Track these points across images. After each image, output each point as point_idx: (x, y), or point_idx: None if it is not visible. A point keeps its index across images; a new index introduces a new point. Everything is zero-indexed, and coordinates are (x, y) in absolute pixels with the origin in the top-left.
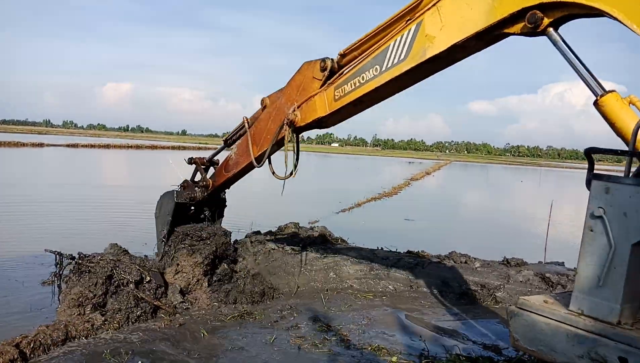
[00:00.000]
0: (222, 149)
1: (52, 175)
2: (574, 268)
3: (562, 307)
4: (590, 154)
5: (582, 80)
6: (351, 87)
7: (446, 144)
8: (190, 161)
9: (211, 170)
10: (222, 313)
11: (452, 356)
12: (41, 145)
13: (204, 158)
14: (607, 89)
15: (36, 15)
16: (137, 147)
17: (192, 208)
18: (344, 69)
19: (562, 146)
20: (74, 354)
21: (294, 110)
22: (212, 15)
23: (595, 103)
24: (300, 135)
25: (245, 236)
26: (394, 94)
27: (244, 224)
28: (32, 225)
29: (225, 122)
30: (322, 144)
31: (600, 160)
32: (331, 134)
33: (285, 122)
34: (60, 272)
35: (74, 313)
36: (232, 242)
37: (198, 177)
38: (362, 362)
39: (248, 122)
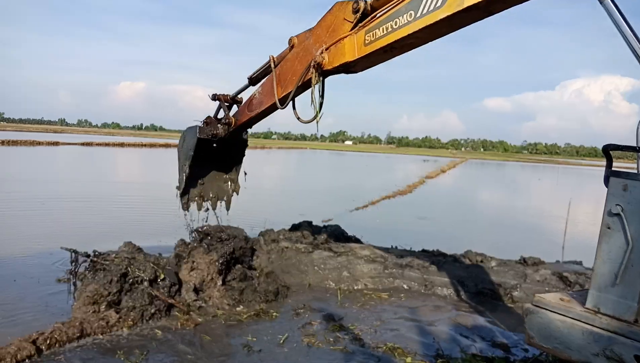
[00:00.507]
0: (246, 87)
1: (67, 173)
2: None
3: (578, 305)
4: (608, 151)
5: (632, 52)
6: (383, 32)
7: (462, 142)
8: (214, 97)
9: (234, 108)
10: (237, 312)
11: (468, 356)
12: (56, 144)
13: (227, 95)
14: None
15: (51, 14)
16: (151, 145)
17: (215, 144)
18: (377, 12)
19: (580, 144)
20: (89, 351)
21: (322, 52)
22: (223, 13)
23: None
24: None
25: (259, 235)
26: (427, 42)
27: (257, 222)
28: (48, 222)
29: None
30: (335, 142)
31: (620, 158)
32: (344, 132)
33: (312, 64)
34: (76, 270)
35: (89, 311)
36: (250, 247)
37: (221, 114)
38: (376, 361)
39: (274, 62)
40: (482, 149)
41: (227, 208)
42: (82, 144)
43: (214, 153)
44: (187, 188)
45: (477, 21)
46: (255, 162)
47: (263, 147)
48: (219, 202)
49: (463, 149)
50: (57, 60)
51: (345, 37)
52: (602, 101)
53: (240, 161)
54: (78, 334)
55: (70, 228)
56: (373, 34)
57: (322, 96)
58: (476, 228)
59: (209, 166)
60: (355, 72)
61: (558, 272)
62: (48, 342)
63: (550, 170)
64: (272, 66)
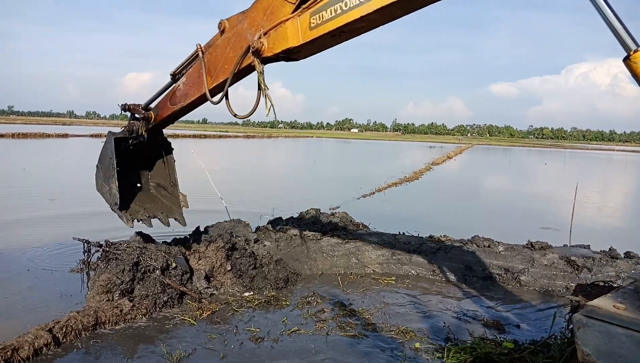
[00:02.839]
0: (167, 87)
1: (76, 165)
2: (601, 251)
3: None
4: None
5: (613, 32)
6: (331, 14)
7: (468, 128)
8: (124, 108)
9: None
10: (248, 299)
11: (477, 339)
12: (65, 136)
13: (139, 104)
14: None
15: (58, 6)
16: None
17: (132, 147)
18: None
19: (586, 128)
20: (105, 339)
21: (260, 37)
22: (227, 1)
23: (627, 59)
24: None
25: (267, 223)
26: (380, 25)
27: (265, 210)
28: (59, 213)
29: (244, 110)
30: (341, 130)
31: (627, 141)
32: (350, 119)
33: (249, 50)
34: (88, 260)
35: (103, 300)
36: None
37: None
38: (387, 345)
39: (202, 50)
40: (488, 135)
41: (183, 224)
42: (91, 136)
43: (142, 160)
44: (124, 202)
45: (434, 2)
46: (261, 151)
47: (270, 136)
48: (170, 219)
49: (469, 135)
50: (65, 53)
51: (287, 20)
52: (609, 84)
53: (173, 167)
54: (93, 322)
55: (82, 218)
56: (320, 16)
57: (264, 85)
58: (483, 213)
59: (140, 176)
60: (298, 59)
61: (566, 256)
62: (64, 330)
63: (556, 154)
64: (200, 54)
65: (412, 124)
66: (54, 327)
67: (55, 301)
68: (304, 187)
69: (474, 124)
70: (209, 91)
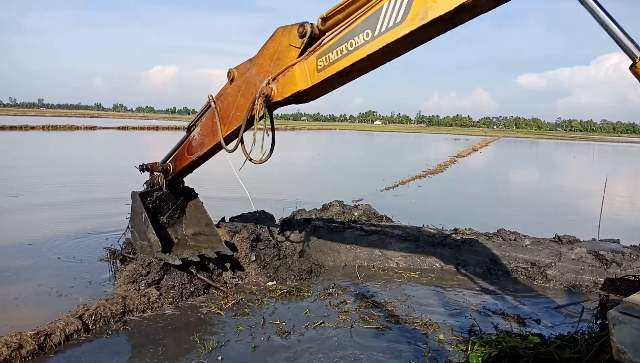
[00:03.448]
0: (183, 140)
1: (103, 156)
2: (631, 245)
3: None
4: None
5: (616, 41)
6: (337, 55)
7: (494, 120)
8: (142, 168)
9: None
10: (271, 289)
11: (502, 333)
12: (94, 128)
13: (156, 163)
14: None
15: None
16: (184, 128)
17: (157, 201)
18: (327, 34)
19: (617, 120)
20: (133, 326)
21: (269, 83)
22: None
23: (633, 67)
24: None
25: (291, 214)
26: (387, 61)
27: (289, 202)
28: (87, 203)
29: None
30: (364, 122)
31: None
32: (374, 112)
33: (258, 96)
34: (115, 261)
35: (130, 289)
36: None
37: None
38: (410, 336)
39: (214, 100)
40: (514, 127)
41: (228, 253)
42: (119, 128)
43: (171, 214)
44: (165, 246)
45: (440, 34)
46: (285, 144)
47: (293, 128)
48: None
49: (495, 127)
50: (92, 47)
51: (294, 64)
52: None
53: (202, 210)
54: (121, 310)
55: (108, 208)
56: (326, 58)
57: (272, 129)
58: (510, 206)
59: (176, 232)
60: (307, 101)
61: (594, 250)
62: (93, 317)
63: (585, 147)
64: (213, 104)
65: (437, 116)
66: (83, 314)
67: (85, 288)
68: (327, 179)
69: (500, 116)
70: (224, 138)
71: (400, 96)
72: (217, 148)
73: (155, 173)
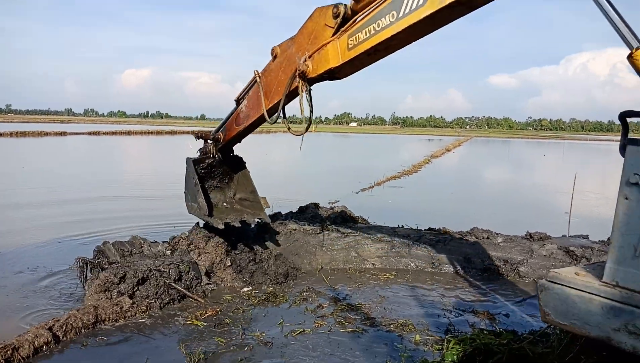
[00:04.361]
0: (233, 111)
1: (74, 163)
2: (599, 241)
3: (596, 279)
4: (624, 118)
5: (615, 30)
6: (366, 34)
7: (466, 120)
8: (197, 136)
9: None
10: (248, 294)
11: (476, 331)
12: (64, 134)
13: (209, 131)
14: None
15: (56, 2)
16: (158, 133)
17: (210, 167)
18: (358, 15)
19: (585, 118)
20: (104, 336)
21: (305, 60)
22: None
23: (630, 57)
24: (310, 90)
25: None
26: (411, 42)
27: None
28: (57, 211)
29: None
30: (340, 124)
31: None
32: (349, 113)
33: (296, 73)
34: (84, 275)
35: (102, 298)
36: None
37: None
38: (387, 338)
39: (259, 75)
40: (487, 127)
41: (268, 221)
42: (89, 133)
43: (221, 179)
44: (211, 210)
45: (460, 17)
46: (261, 146)
47: (269, 131)
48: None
49: (468, 127)
50: (63, 50)
51: (328, 43)
52: (608, 74)
53: (249, 178)
54: (93, 320)
55: (80, 216)
56: (356, 37)
57: (310, 104)
58: (482, 205)
59: (225, 196)
60: (340, 78)
61: (564, 247)
62: (64, 328)
63: (555, 146)
64: (258, 79)
65: (411, 117)
66: (53, 325)
67: (55, 299)
68: (302, 181)
69: (472, 117)
70: (267, 111)
71: (375, 97)
72: (261, 120)
73: (207, 141)
